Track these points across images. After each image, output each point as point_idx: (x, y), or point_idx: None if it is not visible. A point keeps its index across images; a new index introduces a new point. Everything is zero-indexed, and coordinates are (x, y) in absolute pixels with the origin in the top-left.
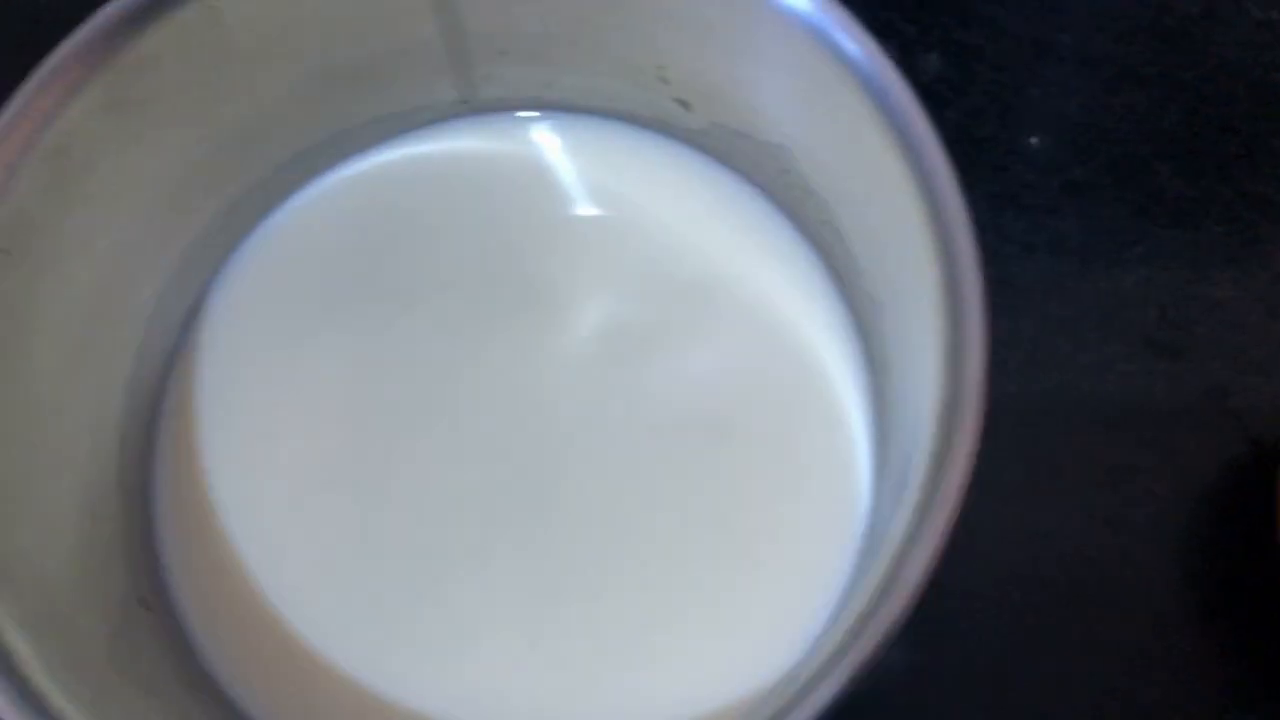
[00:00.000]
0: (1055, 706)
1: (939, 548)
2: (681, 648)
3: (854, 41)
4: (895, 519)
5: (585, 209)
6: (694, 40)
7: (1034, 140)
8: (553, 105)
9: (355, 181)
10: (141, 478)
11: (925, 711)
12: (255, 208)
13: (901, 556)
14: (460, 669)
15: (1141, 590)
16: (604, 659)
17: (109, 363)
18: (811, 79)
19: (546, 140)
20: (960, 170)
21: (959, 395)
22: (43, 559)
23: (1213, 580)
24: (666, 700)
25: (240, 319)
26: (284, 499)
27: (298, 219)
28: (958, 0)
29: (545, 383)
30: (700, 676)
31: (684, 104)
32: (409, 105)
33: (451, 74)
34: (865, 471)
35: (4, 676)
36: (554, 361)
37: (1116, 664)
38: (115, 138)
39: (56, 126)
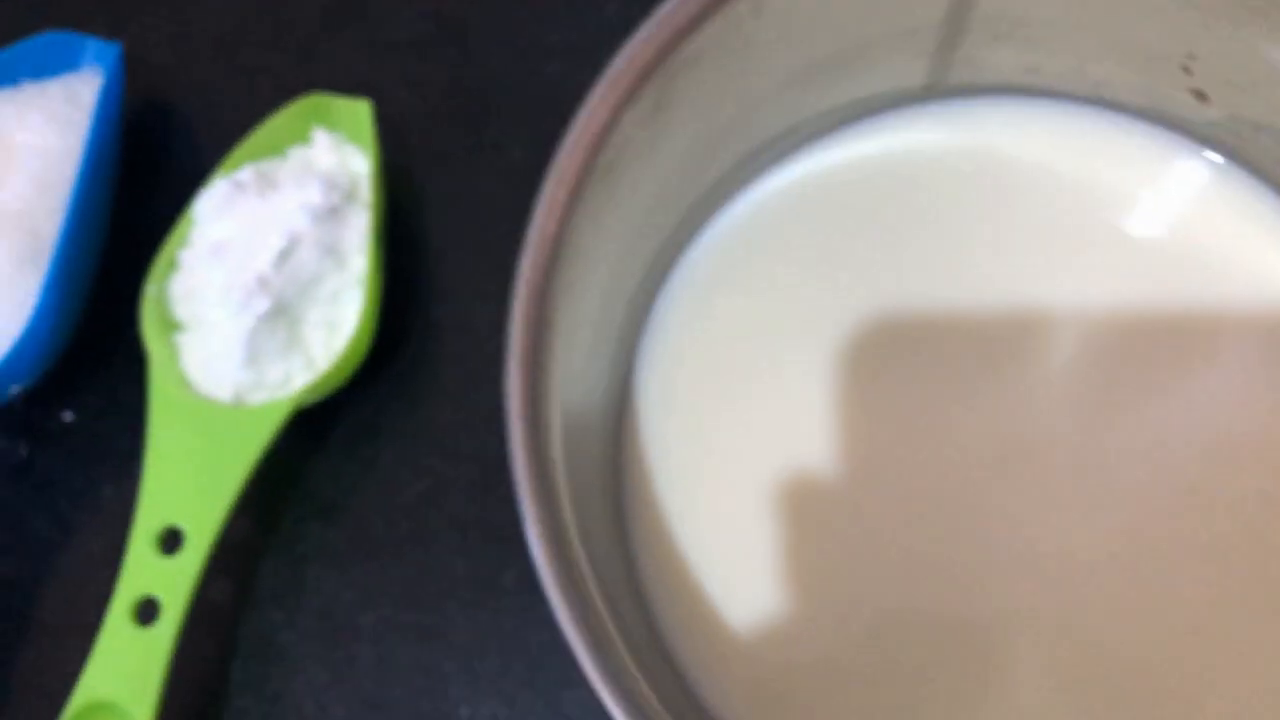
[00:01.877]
0: None
1: None
2: None
3: None
4: None
5: (1079, 212)
6: (1232, 24)
7: None
8: (1024, 90)
9: (810, 174)
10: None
11: None
12: (713, 202)
13: None
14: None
15: None
16: None
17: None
18: None
19: (1026, 130)
20: None
21: None
22: None
23: None
24: None
25: (697, 320)
26: (749, 497)
27: (753, 213)
28: None
29: (1033, 421)
30: None
31: (1200, 95)
32: (871, 90)
33: (930, 58)
34: None
35: None
36: (1040, 398)
37: None
38: (644, 146)
39: (611, 140)
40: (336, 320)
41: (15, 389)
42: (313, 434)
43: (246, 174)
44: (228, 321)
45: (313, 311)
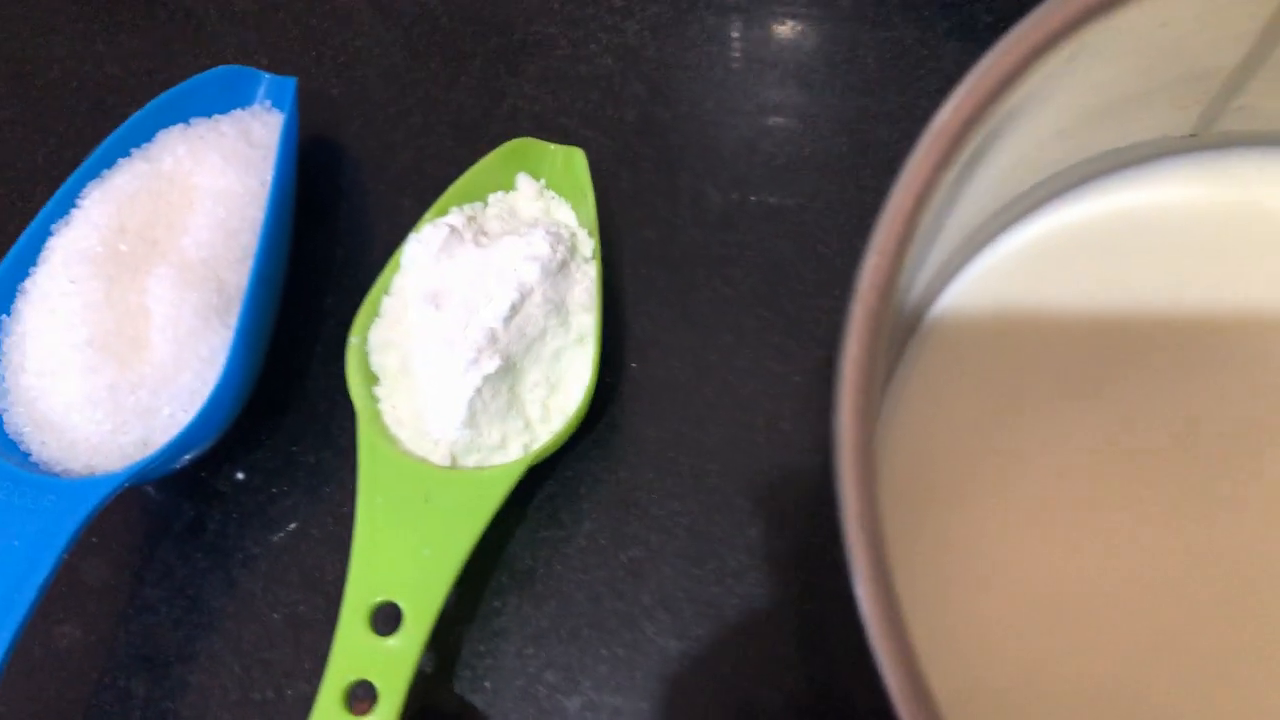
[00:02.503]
0: None
1: None
2: None
3: None
4: None
5: None
6: None
7: None
8: None
9: (1059, 227)
10: None
11: None
12: (959, 259)
13: None
14: None
15: None
16: None
17: None
18: None
19: None
20: None
21: None
22: None
23: None
24: None
25: (955, 361)
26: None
27: (997, 267)
28: None
29: None
30: None
31: None
32: (1132, 140)
33: (1207, 105)
34: None
35: None
36: None
37: None
38: (944, 202)
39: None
40: (555, 380)
41: (197, 452)
42: (511, 498)
43: (458, 218)
44: (446, 376)
45: (533, 370)
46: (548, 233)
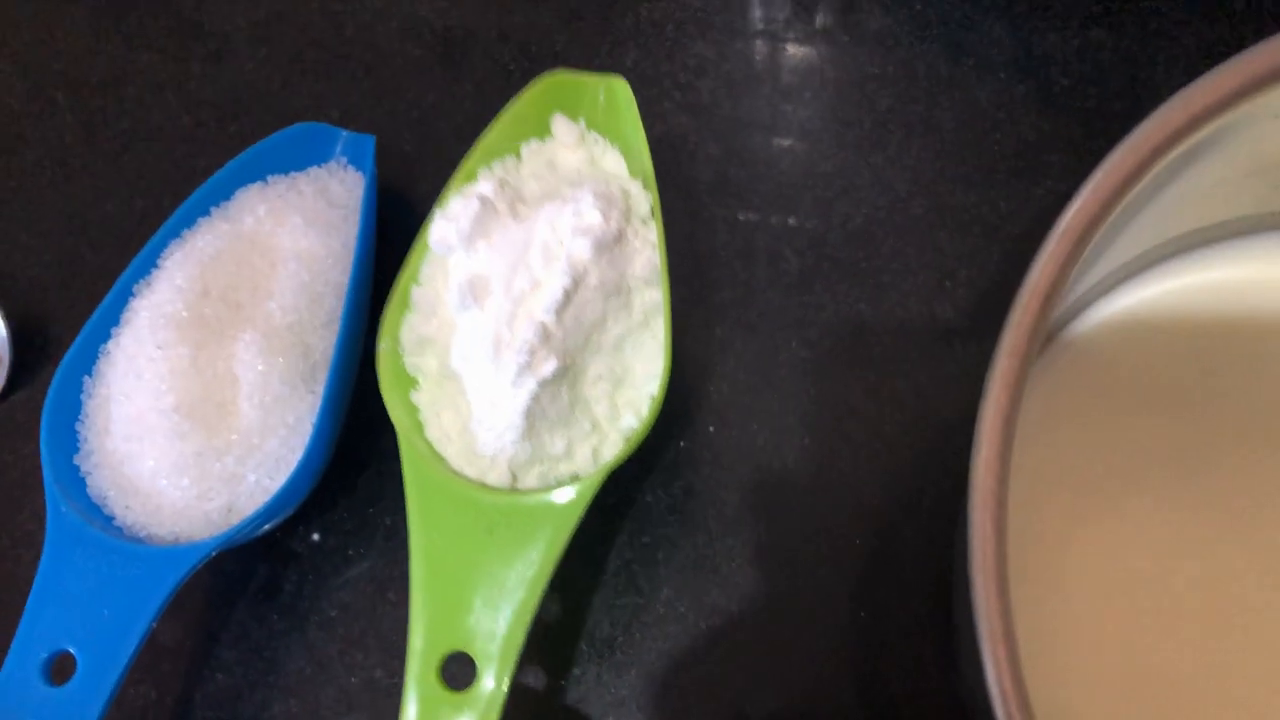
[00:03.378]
0: None
1: None
2: None
3: None
4: None
5: None
6: None
7: None
8: None
9: (1151, 298)
10: None
11: None
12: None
13: None
14: None
15: None
16: None
17: None
18: None
19: None
20: None
21: None
22: None
23: None
24: None
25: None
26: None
27: (1091, 337)
28: None
29: None
30: None
31: None
32: (1232, 215)
33: None
34: None
35: None
36: None
37: None
38: None
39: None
40: (621, 371)
41: (281, 518)
42: (587, 559)
43: (488, 186)
44: (495, 382)
45: (595, 363)
46: (597, 195)
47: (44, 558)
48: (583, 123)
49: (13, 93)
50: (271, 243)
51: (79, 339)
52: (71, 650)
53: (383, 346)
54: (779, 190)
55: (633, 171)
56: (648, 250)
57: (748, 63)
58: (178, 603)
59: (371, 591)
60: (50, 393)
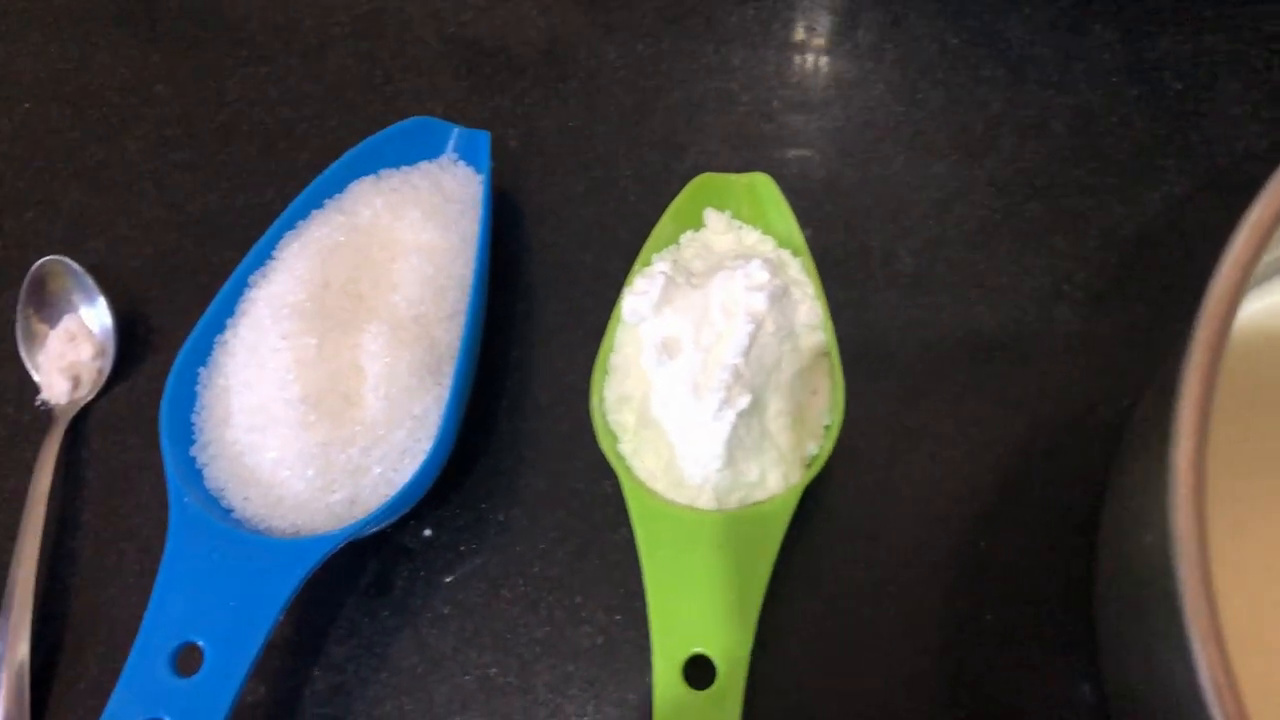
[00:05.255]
0: None
1: None
2: None
3: None
4: None
5: None
6: None
7: None
8: None
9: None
10: None
11: None
12: None
13: None
14: None
15: None
16: None
17: None
18: None
19: None
20: None
21: None
22: None
23: None
24: None
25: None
26: None
27: None
28: None
29: None
30: None
31: None
32: None
33: None
34: None
35: None
36: None
37: None
38: None
39: None
40: (797, 405)
41: (405, 511)
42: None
43: (665, 265)
44: (695, 422)
45: (775, 400)
46: (763, 261)
47: (168, 549)
48: (728, 213)
49: (112, 84)
50: (391, 236)
51: (196, 331)
52: (199, 642)
53: (596, 403)
54: (892, 191)
55: (780, 244)
56: (807, 301)
57: (858, 63)
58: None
59: (485, 589)
60: (169, 384)
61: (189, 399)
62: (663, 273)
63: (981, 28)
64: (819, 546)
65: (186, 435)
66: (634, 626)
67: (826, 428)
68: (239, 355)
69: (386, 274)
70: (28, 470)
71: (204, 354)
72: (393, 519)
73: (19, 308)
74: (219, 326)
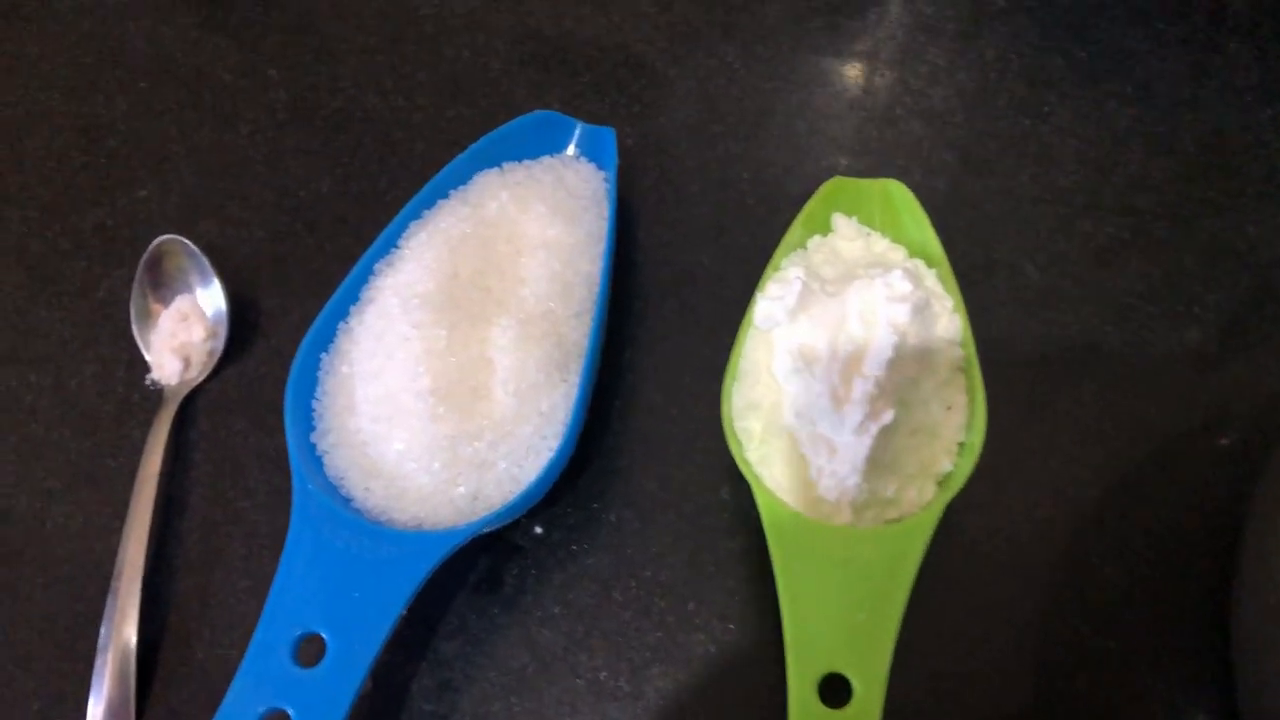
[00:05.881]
0: None
1: None
2: None
3: None
4: None
5: None
6: None
7: None
8: None
9: None
10: None
11: None
12: None
13: None
14: None
15: None
16: None
17: None
18: None
19: None
20: None
21: None
22: None
23: None
24: None
25: None
26: None
27: None
28: None
29: None
30: None
31: None
32: None
33: None
34: None
35: None
36: None
37: None
38: None
39: None
40: (934, 421)
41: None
42: None
43: (799, 270)
44: (834, 434)
45: (910, 418)
46: (905, 271)
47: (290, 536)
48: (855, 218)
49: (226, 65)
50: (517, 229)
51: (321, 316)
52: (322, 633)
53: (726, 409)
54: (1017, 204)
55: (911, 253)
56: (945, 315)
57: (981, 73)
58: None
59: (597, 590)
60: (294, 370)
61: (310, 385)
62: (799, 278)
63: (1109, 41)
64: (932, 562)
65: (307, 421)
66: (748, 636)
67: (960, 444)
68: (364, 343)
69: (514, 268)
70: (135, 449)
71: (327, 340)
72: (517, 516)
73: (134, 285)
74: (343, 312)
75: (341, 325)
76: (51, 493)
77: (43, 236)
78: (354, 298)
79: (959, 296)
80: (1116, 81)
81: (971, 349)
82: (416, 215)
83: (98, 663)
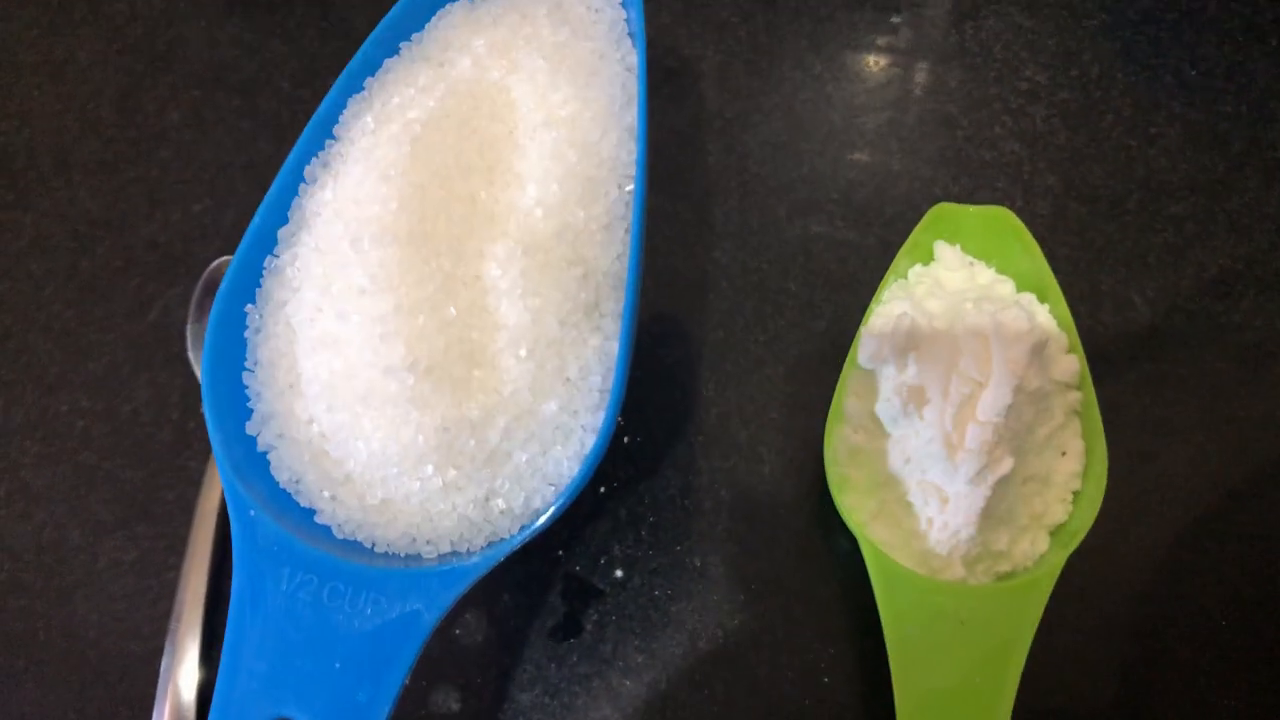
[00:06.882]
0: None
1: None
2: None
3: None
4: None
5: None
6: None
7: None
8: None
9: None
10: None
11: None
12: None
13: None
14: None
15: None
16: None
17: None
18: None
19: None
20: None
21: None
22: None
23: None
24: None
25: None
26: None
27: None
28: None
29: None
30: None
31: None
32: None
33: None
34: None
35: None
36: None
37: None
38: None
39: None
40: (1048, 469)
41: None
42: None
43: (905, 304)
44: (946, 483)
45: (1024, 465)
46: (1021, 307)
47: (235, 587)
48: (958, 246)
49: (283, 73)
50: (505, 97)
51: (240, 250)
52: (294, 718)
53: (829, 455)
54: (1124, 231)
55: (1020, 286)
56: (1062, 355)
57: (1085, 91)
58: (465, 633)
59: (683, 639)
60: (209, 332)
61: (237, 352)
62: (906, 314)
63: (1221, 59)
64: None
65: (239, 406)
66: (843, 690)
67: (1075, 494)
68: (304, 290)
69: (506, 159)
70: (193, 481)
71: (252, 283)
72: (548, 524)
73: (191, 309)
74: (269, 243)
75: (269, 262)
76: (104, 525)
77: (92, 254)
78: (282, 219)
79: (1075, 334)
80: (1230, 101)
81: (1090, 391)
82: (357, 87)
83: (155, 712)
